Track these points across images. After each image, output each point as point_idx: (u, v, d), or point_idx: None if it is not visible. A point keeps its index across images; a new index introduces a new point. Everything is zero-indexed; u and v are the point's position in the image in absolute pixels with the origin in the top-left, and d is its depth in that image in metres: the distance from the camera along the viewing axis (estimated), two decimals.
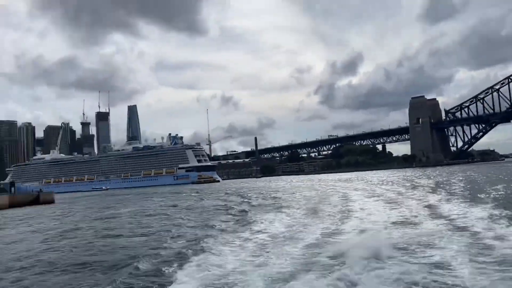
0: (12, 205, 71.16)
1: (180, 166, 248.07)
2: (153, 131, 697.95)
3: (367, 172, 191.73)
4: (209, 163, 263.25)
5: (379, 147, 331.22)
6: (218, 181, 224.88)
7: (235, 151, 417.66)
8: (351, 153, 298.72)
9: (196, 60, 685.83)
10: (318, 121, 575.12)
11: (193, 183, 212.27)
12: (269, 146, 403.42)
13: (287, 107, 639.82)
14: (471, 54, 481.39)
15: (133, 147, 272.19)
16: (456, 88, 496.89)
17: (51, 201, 76.57)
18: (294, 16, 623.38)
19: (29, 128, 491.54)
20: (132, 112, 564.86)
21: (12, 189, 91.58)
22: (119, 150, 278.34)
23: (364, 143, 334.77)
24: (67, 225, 32.77)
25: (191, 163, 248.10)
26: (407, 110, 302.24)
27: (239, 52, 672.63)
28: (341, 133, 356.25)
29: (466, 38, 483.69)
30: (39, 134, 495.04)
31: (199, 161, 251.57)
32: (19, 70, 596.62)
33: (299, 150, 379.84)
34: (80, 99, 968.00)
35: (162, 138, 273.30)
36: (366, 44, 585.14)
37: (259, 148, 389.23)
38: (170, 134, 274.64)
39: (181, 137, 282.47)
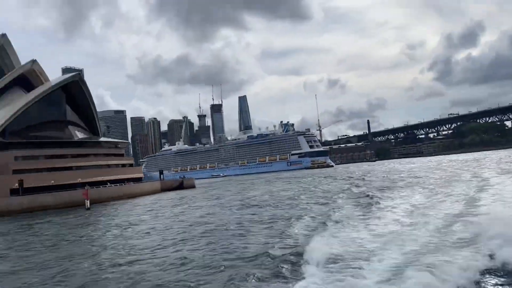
0: (163, 189, 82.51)
1: (293, 152, 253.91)
2: (262, 119, 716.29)
3: (496, 151, 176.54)
4: (321, 149, 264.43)
5: (508, 123, 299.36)
6: (332, 166, 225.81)
7: (346, 135, 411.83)
8: (475, 131, 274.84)
9: (300, 46, 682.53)
10: (433, 99, 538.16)
11: (306, 168, 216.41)
12: (381, 128, 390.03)
13: (399, 86, 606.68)
14: None
15: (247, 136, 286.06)
16: None
17: (193, 186, 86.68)
18: None
19: (155, 122, 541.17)
20: (243, 102, 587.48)
21: (162, 176, 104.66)
22: (235, 140, 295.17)
23: (489, 120, 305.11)
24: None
25: (303, 149, 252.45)
26: None
27: (343, 32, 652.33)
28: (462, 111, 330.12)
29: None
30: (163, 127, 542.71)
31: (311, 146, 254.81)
32: (141, 71, 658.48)
33: (415, 131, 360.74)
34: (195, 93, 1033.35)
35: (274, 126, 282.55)
36: (487, 11, 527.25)
37: (371, 131, 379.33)
38: (281, 122, 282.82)
39: (292, 124, 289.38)
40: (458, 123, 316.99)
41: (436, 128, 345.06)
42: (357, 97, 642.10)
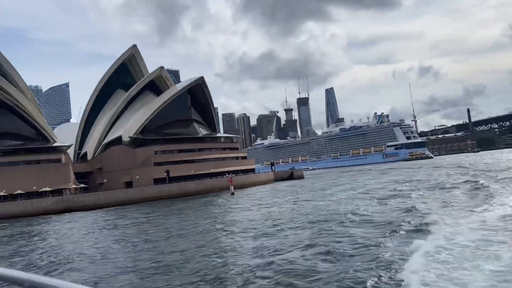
0: (276, 179, 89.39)
1: (389, 144, 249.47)
2: (349, 110, 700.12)
3: None
4: (418, 140, 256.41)
5: None
6: (431, 157, 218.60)
7: (443, 125, 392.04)
8: None
9: (387, 33, 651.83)
10: None
11: (404, 160, 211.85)
12: (481, 117, 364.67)
13: (500, 70, 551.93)
14: None
15: (340, 129, 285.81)
16: None
17: (302, 177, 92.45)
18: None
19: (245, 118, 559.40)
20: (330, 94, 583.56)
21: (273, 167, 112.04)
22: (326, 132, 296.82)
23: None
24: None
25: (399, 141, 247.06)
26: None
27: (434, 16, 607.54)
28: None
29: None
30: (252, 122, 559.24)
31: (407, 138, 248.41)
32: (228, 69, 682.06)
33: None
34: (279, 88, 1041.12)
35: (368, 117, 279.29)
36: None
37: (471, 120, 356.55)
38: (375, 113, 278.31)
39: (387, 115, 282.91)
40: None
41: None
42: (451, 85, 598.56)
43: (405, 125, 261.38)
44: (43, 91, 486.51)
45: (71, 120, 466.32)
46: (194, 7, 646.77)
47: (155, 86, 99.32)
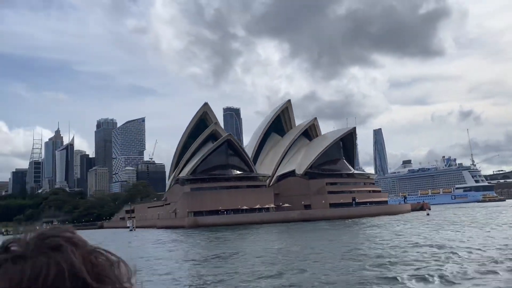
0: (412, 209, 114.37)
1: (457, 186, 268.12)
2: (388, 151, 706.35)
3: None
4: (486, 183, 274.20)
5: None
6: (504, 200, 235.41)
7: (502, 170, 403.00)
8: None
9: (426, 74, 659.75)
10: None
11: (477, 201, 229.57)
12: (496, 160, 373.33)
13: None
14: None
15: (408, 170, 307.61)
16: None
17: (429, 208, 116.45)
18: None
19: None
20: (378, 135, 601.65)
21: (405, 200, 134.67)
22: (394, 172, 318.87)
23: None
24: None
25: (468, 183, 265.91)
26: None
27: (474, 58, 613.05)
28: None
29: None
30: None
31: (476, 181, 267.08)
32: (269, 107, 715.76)
33: None
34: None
35: (436, 160, 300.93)
36: None
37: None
38: (443, 156, 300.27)
39: (455, 159, 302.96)
40: None
41: None
42: (493, 128, 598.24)
43: (473, 169, 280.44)
44: (117, 124, 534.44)
45: (144, 152, 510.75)
46: (245, 53, 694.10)
47: (307, 133, 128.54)
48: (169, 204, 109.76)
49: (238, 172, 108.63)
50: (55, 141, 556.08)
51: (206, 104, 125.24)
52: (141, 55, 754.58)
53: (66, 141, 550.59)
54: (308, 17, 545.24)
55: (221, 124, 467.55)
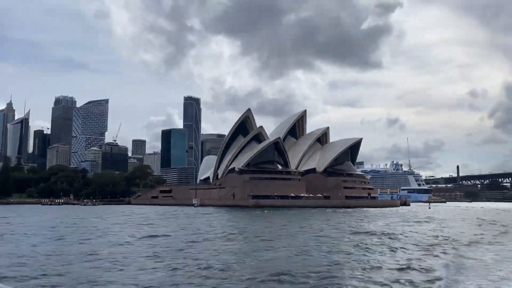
0: (401, 204, 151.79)
1: (403, 188, 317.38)
2: None
3: None
4: (426, 187, 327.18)
5: None
6: (445, 202, 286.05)
7: (433, 176, 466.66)
8: None
9: (359, 78, 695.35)
10: (493, 145, 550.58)
11: (423, 202, 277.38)
12: (439, 170, 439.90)
13: (458, 127, 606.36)
14: None
15: (361, 170, 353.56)
16: None
17: (409, 204, 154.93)
18: (469, 28, 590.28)
19: None
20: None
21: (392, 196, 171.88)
22: None
23: None
24: None
25: (412, 186, 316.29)
26: None
27: (405, 67, 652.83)
28: None
29: None
30: None
31: (418, 184, 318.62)
32: (214, 99, 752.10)
33: (499, 179, 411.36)
34: (259, 122, 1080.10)
35: (386, 164, 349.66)
36: None
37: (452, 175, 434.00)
38: (393, 161, 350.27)
39: (401, 164, 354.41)
40: None
41: None
42: (414, 135, 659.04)
43: (416, 174, 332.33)
44: (77, 103, 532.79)
45: (106, 133, 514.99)
46: (199, 46, 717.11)
47: (319, 139, 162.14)
48: (223, 188, 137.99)
49: (280, 167, 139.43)
50: (6, 114, 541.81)
51: (249, 110, 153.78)
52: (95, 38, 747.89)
53: (18, 115, 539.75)
54: (263, 21, 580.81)
55: (181, 112, 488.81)
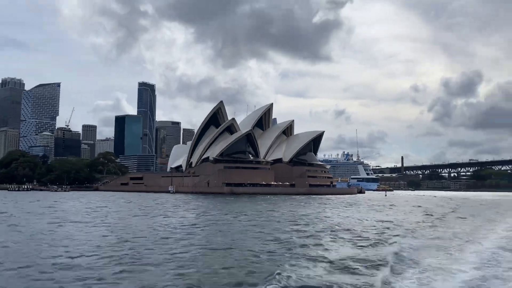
0: (358, 192, 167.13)
1: (353, 177, 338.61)
2: None
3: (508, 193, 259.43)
4: (373, 176, 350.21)
5: None
6: (392, 190, 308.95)
7: (379, 166, 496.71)
8: (493, 176, 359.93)
9: (309, 70, 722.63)
10: (432, 137, 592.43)
11: (373, 190, 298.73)
12: (382, 160, 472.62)
13: (400, 120, 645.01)
14: None
15: None
16: None
17: (364, 192, 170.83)
18: (413, 25, 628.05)
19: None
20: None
21: (349, 184, 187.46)
22: None
23: (502, 168, 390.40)
24: None
25: (361, 175, 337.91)
26: None
27: (352, 61, 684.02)
28: (458, 152, 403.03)
29: None
30: None
31: (367, 174, 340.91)
32: (165, 85, 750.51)
33: (438, 170, 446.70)
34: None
35: (337, 154, 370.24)
36: (494, 56, 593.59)
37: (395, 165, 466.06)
38: (344, 151, 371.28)
39: (352, 155, 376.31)
40: (478, 168, 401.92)
41: (458, 169, 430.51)
42: (359, 126, 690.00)
43: (365, 164, 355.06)
44: (26, 86, 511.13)
45: (57, 118, 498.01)
46: (152, 31, 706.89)
47: (284, 131, 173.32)
48: (197, 176, 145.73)
49: (251, 156, 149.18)
50: None
51: (221, 102, 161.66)
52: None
53: None
54: (218, 10, 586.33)
55: (135, 98, 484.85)
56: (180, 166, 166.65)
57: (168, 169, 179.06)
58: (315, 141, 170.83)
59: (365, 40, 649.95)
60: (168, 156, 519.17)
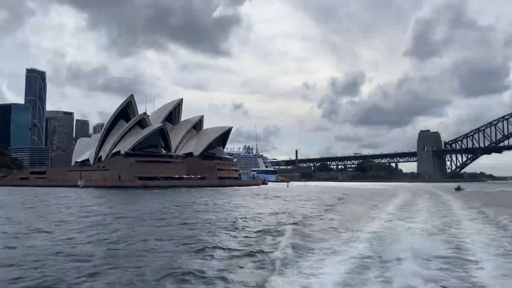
0: (263, 183, 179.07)
1: (253, 169, 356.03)
2: None
3: (387, 183, 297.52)
4: (272, 169, 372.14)
5: (393, 164, 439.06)
6: (289, 181, 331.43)
7: (275, 159, 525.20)
8: (374, 168, 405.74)
9: (208, 63, 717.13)
10: (321, 133, 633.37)
11: (272, 181, 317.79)
12: (275, 153, 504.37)
13: (292, 115, 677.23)
14: (462, 84, 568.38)
15: None
16: (450, 118, 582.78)
17: (266, 183, 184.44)
18: (305, 25, 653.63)
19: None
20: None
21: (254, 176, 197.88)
22: None
23: (382, 161, 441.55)
24: None
25: (261, 168, 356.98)
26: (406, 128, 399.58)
27: (250, 57, 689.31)
28: (344, 146, 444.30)
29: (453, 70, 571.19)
30: None
31: (266, 166, 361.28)
32: (53, 72, 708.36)
33: (328, 163, 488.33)
34: (105, 100, 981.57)
35: (239, 148, 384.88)
36: (374, 59, 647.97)
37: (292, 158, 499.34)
38: (245, 145, 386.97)
39: (252, 148, 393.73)
40: (361, 161, 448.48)
41: (344, 162, 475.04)
42: (256, 121, 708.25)
43: (264, 157, 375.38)
44: None
45: None
46: (39, 13, 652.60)
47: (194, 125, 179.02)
48: (107, 170, 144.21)
49: (164, 150, 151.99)
50: None
51: (131, 96, 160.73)
52: None
53: None
54: None
55: (23, 87, 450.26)
56: (87, 160, 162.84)
57: (73, 163, 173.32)
58: (224, 136, 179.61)
59: (262, 37, 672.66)
60: (60, 148, 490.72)
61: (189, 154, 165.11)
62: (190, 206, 52.89)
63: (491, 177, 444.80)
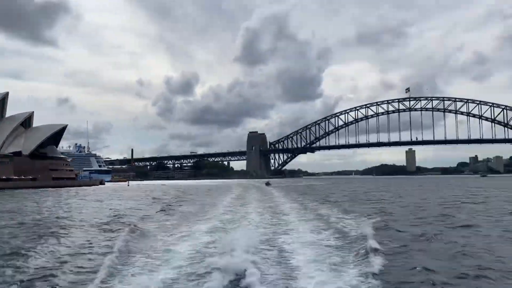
0: (100, 184, 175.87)
1: (85, 169, 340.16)
2: None
3: (222, 180, 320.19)
4: (105, 168, 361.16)
5: (225, 163, 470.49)
6: (126, 181, 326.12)
7: (109, 158, 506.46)
8: (208, 166, 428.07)
9: (31, 52, 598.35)
10: (156, 131, 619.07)
11: (108, 181, 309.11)
12: (108, 151, 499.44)
13: (126, 112, 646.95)
14: (284, 90, 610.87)
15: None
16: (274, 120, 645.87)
17: (104, 183, 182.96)
18: (141, 21, 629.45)
19: None
20: None
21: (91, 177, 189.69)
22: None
23: (215, 159, 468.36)
24: None
25: (94, 167, 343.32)
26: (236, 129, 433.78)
27: (78, 46, 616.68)
28: (179, 145, 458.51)
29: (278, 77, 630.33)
30: None
31: (100, 166, 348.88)
32: None
33: (164, 161, 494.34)
34: None
35: (69, 146, 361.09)
36: (207, 61, 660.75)
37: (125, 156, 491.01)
38: (76, 143, 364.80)
39: (84, 147, 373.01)
40: (197, 159, 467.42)
41: (181, 161, 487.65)
42: (84, 116, 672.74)
43: (98, 156, 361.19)
44: None
45: None
46: None
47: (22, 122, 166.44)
48: None
49: None
50: None
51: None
52: None
53: None
54: None
55: None
56: None
57: None
58: (57, 134, 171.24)
59: (94, 28, 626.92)
60: None
61: (18, 154, 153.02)
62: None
63: (307, 173, 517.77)
